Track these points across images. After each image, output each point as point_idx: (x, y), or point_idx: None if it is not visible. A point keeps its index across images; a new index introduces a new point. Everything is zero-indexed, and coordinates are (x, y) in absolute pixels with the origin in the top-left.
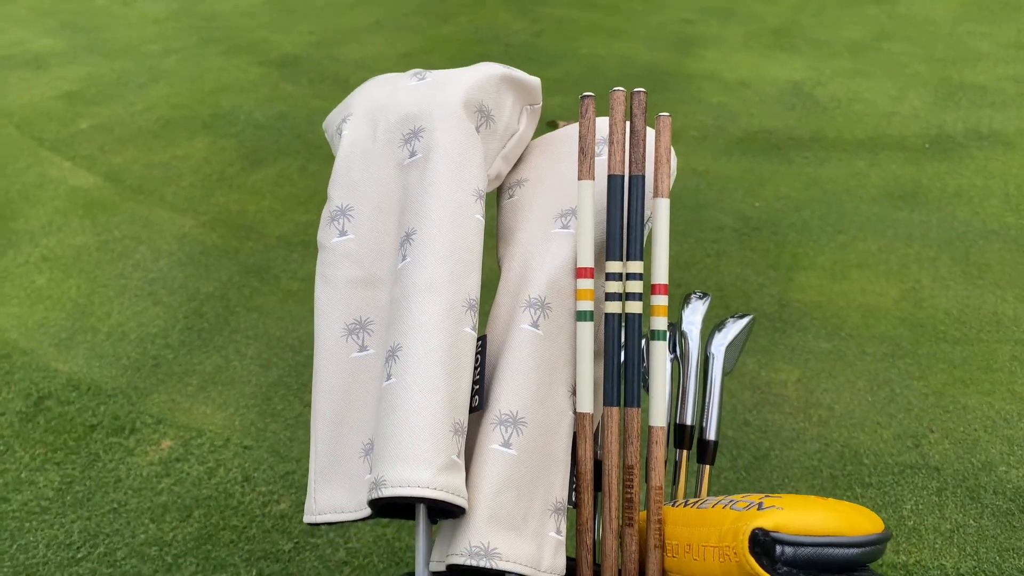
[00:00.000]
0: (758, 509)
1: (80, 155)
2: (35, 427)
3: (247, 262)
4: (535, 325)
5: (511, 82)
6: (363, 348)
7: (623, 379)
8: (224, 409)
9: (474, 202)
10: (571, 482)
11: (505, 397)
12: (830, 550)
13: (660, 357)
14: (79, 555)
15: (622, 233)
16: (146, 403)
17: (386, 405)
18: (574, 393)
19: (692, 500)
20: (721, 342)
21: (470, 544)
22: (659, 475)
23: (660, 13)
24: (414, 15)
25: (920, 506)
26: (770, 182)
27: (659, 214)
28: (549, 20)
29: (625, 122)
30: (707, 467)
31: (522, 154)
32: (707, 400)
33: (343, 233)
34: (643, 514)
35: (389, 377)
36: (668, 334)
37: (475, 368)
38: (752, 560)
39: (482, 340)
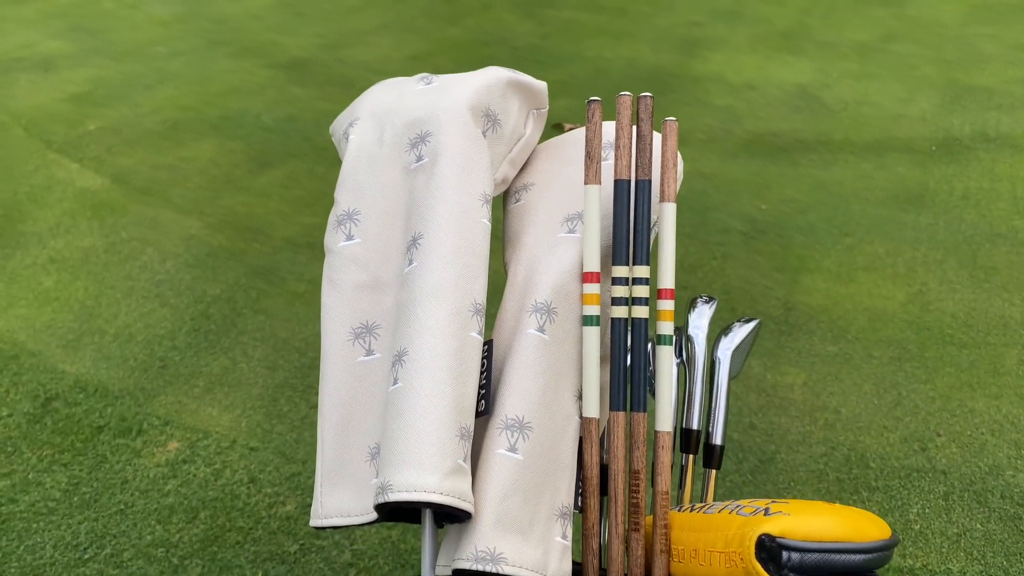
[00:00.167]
0: (764, 515)
1: (88, 157)
2: (42, 428)
3: (254, 264)
4: (541, 330)
5: (517, 86)
6: (370, 352)
7: (629, 384)
8: (231, 411)
9: (480, 206)
10: (577, 487)
11: (511, 402)
12: (837, 556)
13: (666, 362)
14: (86, 556)
15: (628, 238)
16: (153, 405)
17: (392, 409)
18: (580, 398)
19: (698, 505)
20: (727, 346)
21: (476, 549)
22: (665, 480)
23: (667, 15)
24: (421, 18)
25: (927, 510)
26: (776, 185)
27: (665, 219)
28: (555, 22)
29: (632, 127)
30: (713, 471)
31: (528, 158)
32: (713, 404)
33: (350, 237)
34: (649, 519)
35: (396, 381)
36: (674, 338)
37: (481, 373)
38: (758, 566)
39: (488, 344)
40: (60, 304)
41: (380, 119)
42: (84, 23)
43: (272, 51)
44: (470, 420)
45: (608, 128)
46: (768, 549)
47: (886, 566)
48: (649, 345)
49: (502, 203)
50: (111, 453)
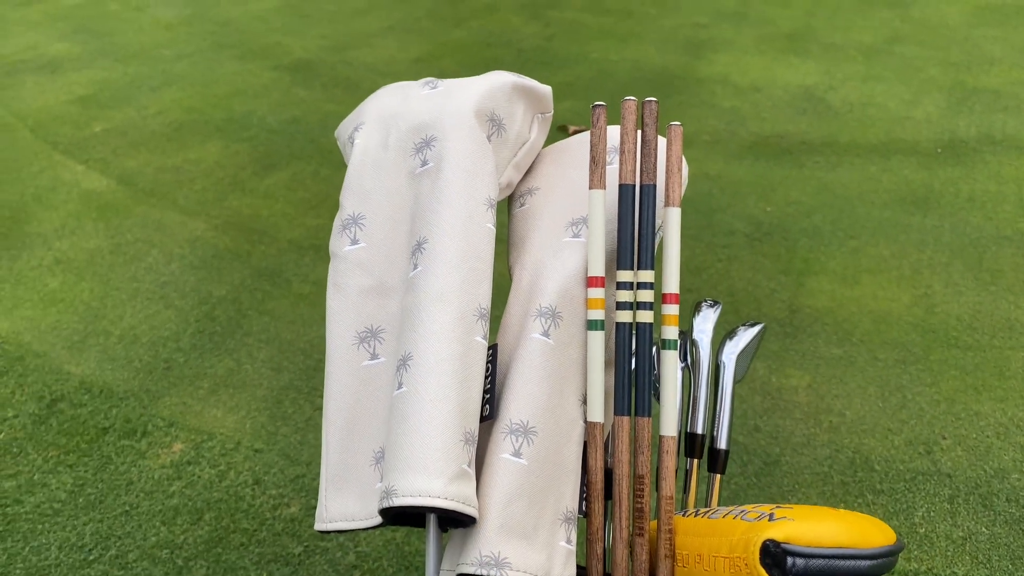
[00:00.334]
0: (769, 520)
1: (93, 159)
2: (48, 429)
3: (259, 266)
4: (546, 334)
5: (522, 91)
6: (374, 356)
7: (634, 388)
8: (235, 412)
9: (485, 211)
10: (581, 491)
11: (516, 406)
12: (841, 562)
13: (671, 366)
14: (91, 557)
15: (633, 242)
16: (158, 406)
17: (397, 414)
18: (585, 402)
19: (703, 510)
20: (732, 350)
21: (480, 553)
22: (670, 485)
23: (672, 17)
24: (426, 19)
25: (932, 513)
26: (781, 187)
27: (670, 223)
28: (561, 24)
29: (636, 131)
30: (718, 476)
31: (533, 162)
32: (718, 409)
33: (355, 242)
34: (653, 524)
35: (400, 386)
36: (679, 343)
37: (486, 377)
38: (763, 571)
39: (493, 349)
40: (65, 305)
41: (385, 123)
42: (89, 25)
43: (277, 53)
44: (475, 425)
45: (613, 132)
46: (773, 555)
47: (891, 571)
48: (654, 349)
49: (507, 207)
50: (116, 454)
